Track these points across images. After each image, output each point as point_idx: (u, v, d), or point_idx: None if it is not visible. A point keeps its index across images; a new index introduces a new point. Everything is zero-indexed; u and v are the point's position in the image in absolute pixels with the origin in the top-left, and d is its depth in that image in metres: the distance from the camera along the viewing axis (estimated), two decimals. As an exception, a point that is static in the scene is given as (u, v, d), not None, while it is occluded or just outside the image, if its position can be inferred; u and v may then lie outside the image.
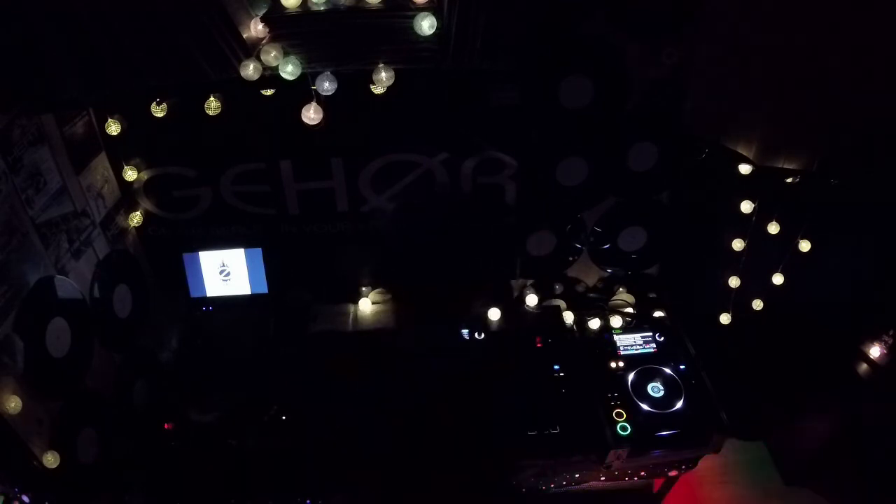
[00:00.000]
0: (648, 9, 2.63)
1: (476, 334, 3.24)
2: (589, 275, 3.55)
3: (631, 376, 3.05)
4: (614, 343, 3.23)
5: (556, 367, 3.10)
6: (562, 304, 3.48)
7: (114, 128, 2.75)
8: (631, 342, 3.24)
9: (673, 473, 3.21)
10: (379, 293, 3.52)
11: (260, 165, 3.02)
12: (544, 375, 3.08)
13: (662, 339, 3.24)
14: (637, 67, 2.76)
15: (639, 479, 3.18)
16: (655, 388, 3.00)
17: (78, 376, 2.52)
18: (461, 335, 3.24)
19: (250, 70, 2.15)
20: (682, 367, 3.10)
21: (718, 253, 3.17)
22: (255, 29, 2.25)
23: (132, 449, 2.76)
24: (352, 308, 3.48)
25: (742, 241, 3.06)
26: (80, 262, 2.62)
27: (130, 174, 2.95)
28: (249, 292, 3.28)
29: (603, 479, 3.08)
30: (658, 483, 3.49)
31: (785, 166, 2.83)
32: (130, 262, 3.05)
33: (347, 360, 3.13)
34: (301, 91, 2.25)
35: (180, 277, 3.24)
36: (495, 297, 3.42)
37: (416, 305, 3.44)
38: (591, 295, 3.56)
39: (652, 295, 3.51)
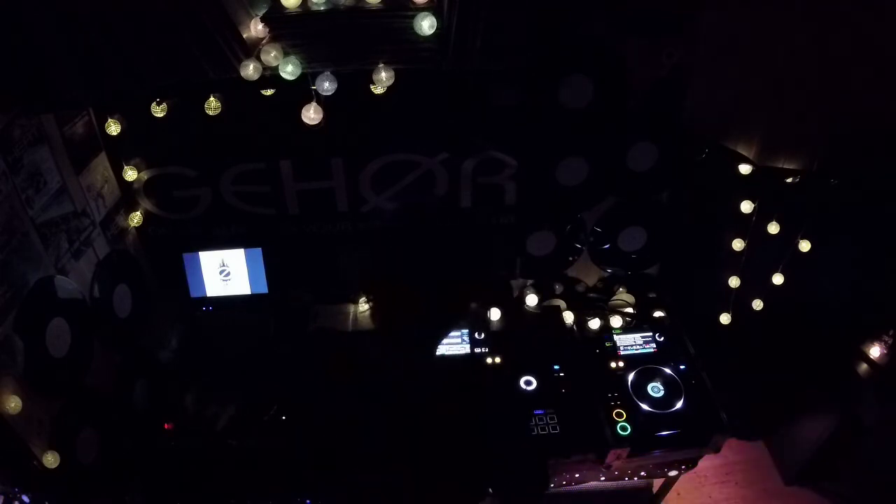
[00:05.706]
0: (648, 9, 2.63)
1: (476, 334, 3.24)
2: (589, 275, 3.55)
3: (631, 376, 3.05)
4: (614, 343, 3.23)
5: (556, 367, 3.10)
6: (562, 304, 3.48)
7: (114, 128, 2.75)
8: (631, 342, 3.24)
9: (673, 473, 3.21)
10: (379, 293, 3.51)
11: (260, 165, 3.01)
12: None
13: (662, 339, 3.24)
14: (637, 67, 2.76)
15: (639, 479, 3.18)
16: (655, 388, 3.00)
17: (78, 376, 2.52)
18: (461, 335, 3.24)
19: (250, 70, 2.15)
20: (682, 367, 3.09)
21: (718, 253, 3.18)
22: (255, 29, 2.24)
23: (132, 449, 2.76)
24: (352, 308, 3.47)
25: (742, 241, 3.06)
26: (80, 262, 2.62)
27: (130, 174, 2.95)
28: (249, 292, 3.28)
29: (603, 478, 3.08)
30: (658, 483, 3.49)
31: (785, 166, 2.83)
32: (130, 262, 3.05)
33: (347, 360, 3.12)
34: (301, 91, 2.25)
35: (180, 277, 3.23)
36: (495, 298, 3.42)
37: (416, 305, 3.43)
38: (591, 295, 3.55)
39: (652, 295, 3.50)
